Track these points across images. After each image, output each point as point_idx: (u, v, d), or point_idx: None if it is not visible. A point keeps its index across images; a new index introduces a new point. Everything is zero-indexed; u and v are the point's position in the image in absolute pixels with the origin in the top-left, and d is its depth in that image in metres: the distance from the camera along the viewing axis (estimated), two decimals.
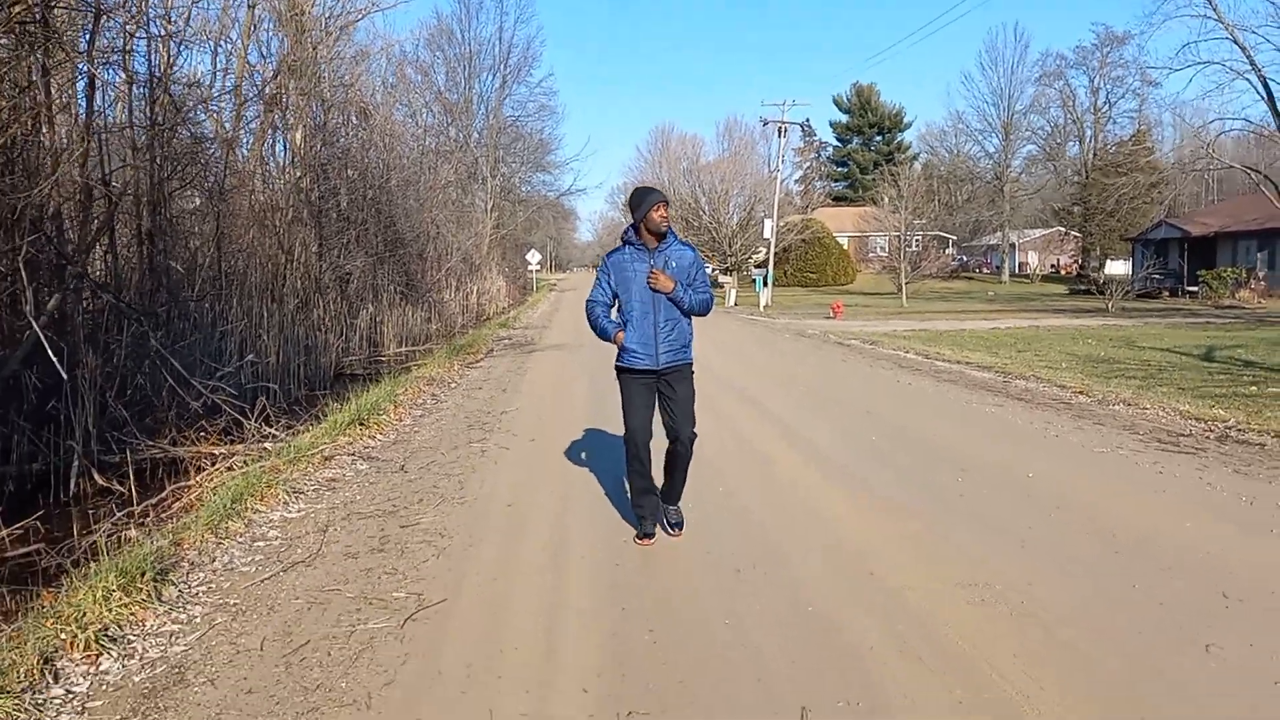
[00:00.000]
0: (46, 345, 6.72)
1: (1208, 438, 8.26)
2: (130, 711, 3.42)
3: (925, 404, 10.58)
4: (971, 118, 68.36)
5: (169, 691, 3.58)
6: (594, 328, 5.31)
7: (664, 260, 5.10)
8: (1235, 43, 32.97)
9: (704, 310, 5.26)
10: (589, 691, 3.44)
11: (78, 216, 10.32)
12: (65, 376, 7.09)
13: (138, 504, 6.82)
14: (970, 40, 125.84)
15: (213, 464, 7.64)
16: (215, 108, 15.47)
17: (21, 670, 3.60)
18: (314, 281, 16.69)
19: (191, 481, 7.22)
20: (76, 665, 3.79)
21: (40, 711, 3.41)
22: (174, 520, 6.33)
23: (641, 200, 5.10)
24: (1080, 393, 10.99)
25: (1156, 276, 43.51)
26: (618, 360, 5.22)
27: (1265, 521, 5.52)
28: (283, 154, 19.10)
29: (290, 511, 6.24)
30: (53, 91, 10.11)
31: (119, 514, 6.74)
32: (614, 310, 5.29)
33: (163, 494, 7.13)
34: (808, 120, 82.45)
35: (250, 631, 4.13)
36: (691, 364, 5.27)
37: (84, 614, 4.11)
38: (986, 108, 66.60)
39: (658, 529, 5.34)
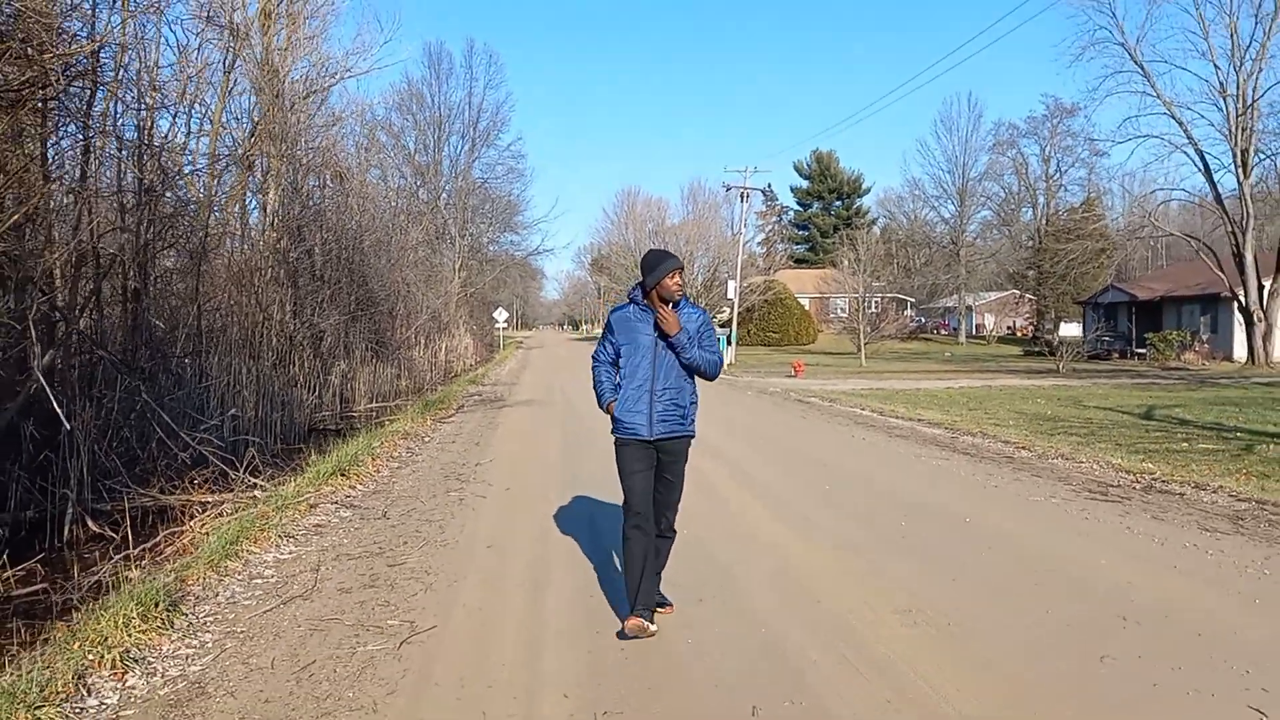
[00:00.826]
0: (50, 396, 7.14)
1: (1134, 488, 8.94)
2: (161, 718, 3.85)
3: (876, 456, 11.22)
4: (928, 184, 70.63)
5: (193, 702, 4.01)
6: (594, 387, 5.12)
7: None
8: (1173, 118, 34.93)
9: (711, 370, 4.96)
10: (569, 697, 3.95)
11: (69, 276, 10.77)
12: (68, 426, 7.51)
13: (133, 548, 7.20)
14: (926, 109, 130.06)
15: (203, 511, 8.04)
16: (189, 168, 16.02)
17: (59, 685, 4.02)
18: (289, 339, 17.12)
19: (184, 527, 7.61)
20: (106, 682, 4.21)
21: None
22: (169, 562, 6.72)
23: (656, 264, 4.82)
24: (1023, 448, 11.70)
25: (1106, 339, 45.07)
26: (613, 428, 4.97)
27: (1170, 559, 6.16)
28: (258, 216, 19.69)
29: (282, 553, 6.67)
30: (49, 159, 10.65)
31: (115, 557, 7.11)
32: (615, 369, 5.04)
33: (156, 539, 7.52)
34: (769, 185, 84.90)
35: (260, 654, 4.57)
36: (691, 438, 5.00)
37: (106, 639, 4.53)
38: (942, 174, 68.88)
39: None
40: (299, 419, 15.49)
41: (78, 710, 3.91)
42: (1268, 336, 34.21)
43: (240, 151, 18.40)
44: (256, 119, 19.72)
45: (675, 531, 5.08)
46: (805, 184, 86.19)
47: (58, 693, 3.97)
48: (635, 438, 4.84)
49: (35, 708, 3.79)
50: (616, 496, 7.00)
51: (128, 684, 4.22)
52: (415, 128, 50.54)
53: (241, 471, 8.96)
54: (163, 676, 4.32)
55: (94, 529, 8.00)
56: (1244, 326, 35.42)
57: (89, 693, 4.09)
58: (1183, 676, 4.07)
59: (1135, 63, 35.19)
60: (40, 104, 7.82)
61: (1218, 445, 12.46)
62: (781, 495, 8.62)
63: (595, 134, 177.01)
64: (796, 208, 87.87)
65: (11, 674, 4.07)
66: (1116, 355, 43.54)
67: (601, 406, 5.02)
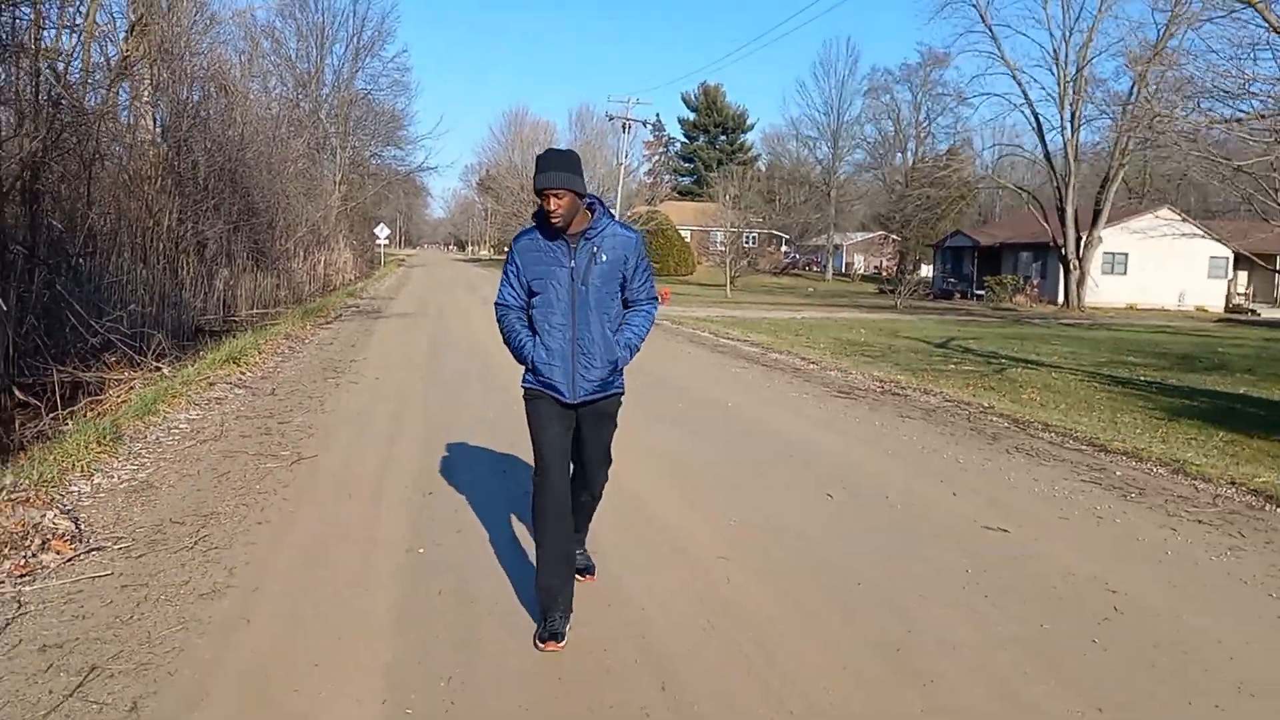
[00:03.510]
0: None
1: (876, 392, 11.44)
2: (124, 498, 5.72)
3: (691, 365, 13.55)
4: (805, 124, 73.53)
5: (146, 491, 5.88)
6: (509, 344, 4.02)
7: (590, 251, 3.82)
8: (1014, 79, 38.14)
9: (645, 329, 4.11)
10: (408, 486, 6.01)
11: None
12: (4, 306, 8.98)
13: (61, 411, 8.82)
14: (811, 50, 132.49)
15: (116, 385, 9.65)
16: (75, 75, 16.79)
17: (48, 478, 5.82)
18: (175, 245, 18.23)
19: (103, 397, 9.25)
20: (78, 480, 6.02)
21: (71, 498, 5.66)
22: (97, 420, 8.40)
23: (538, 170, 3.72)
24: (813, 363, 14.20)
25: (951, 280, 49.13)
26: (525, 379, 4.01)
27: (855, 430, 8.59)
28: (143, 123, 20.38)
29: (192, 415, 8.44)
30: None
31: (48, 417, 8.73)
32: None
33: (79, 405, 9.14)
34: (658, 116, 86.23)
35: (188, 469, 6.45)
36: (622, 395, 4.11)
37: (71, 455, 6.32)
38: (818, 116, 71.84)
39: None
40: (187, 320, 16.80)
41: (66, 493, 5.72)
42: (1081, 283, 38.40)
43: (121, 57, 19.08)
44: (133, 20, 20.30)
45: (599, 495, 4.38)
46: (692, 116, 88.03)
47: (48, 483, 5.77)
48: (551, 395, 3.93)
49: (37, 488, 5.59)
50: (468, 387, 9.01)
51: (95, 481, 6.04)
52: (297, 34, 49.82)
53: (149, 356, 10.55)
54: (119, 478, 6.16)
55: (21, 398, 9.50)
56: (1064, 273, 39.51)
57: (69, 485, 5.91)
58: (800, 478, 6.45)
59: (985, 24, 38.24)
60: None
61: (980, 368, 15.23)
62: None
63: (483, 50, 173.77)
64: (683, 139, 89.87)
65: (13, 473, 5.84)
66: (959, 296, 47.58)
67: (526, 363, 3.97)
